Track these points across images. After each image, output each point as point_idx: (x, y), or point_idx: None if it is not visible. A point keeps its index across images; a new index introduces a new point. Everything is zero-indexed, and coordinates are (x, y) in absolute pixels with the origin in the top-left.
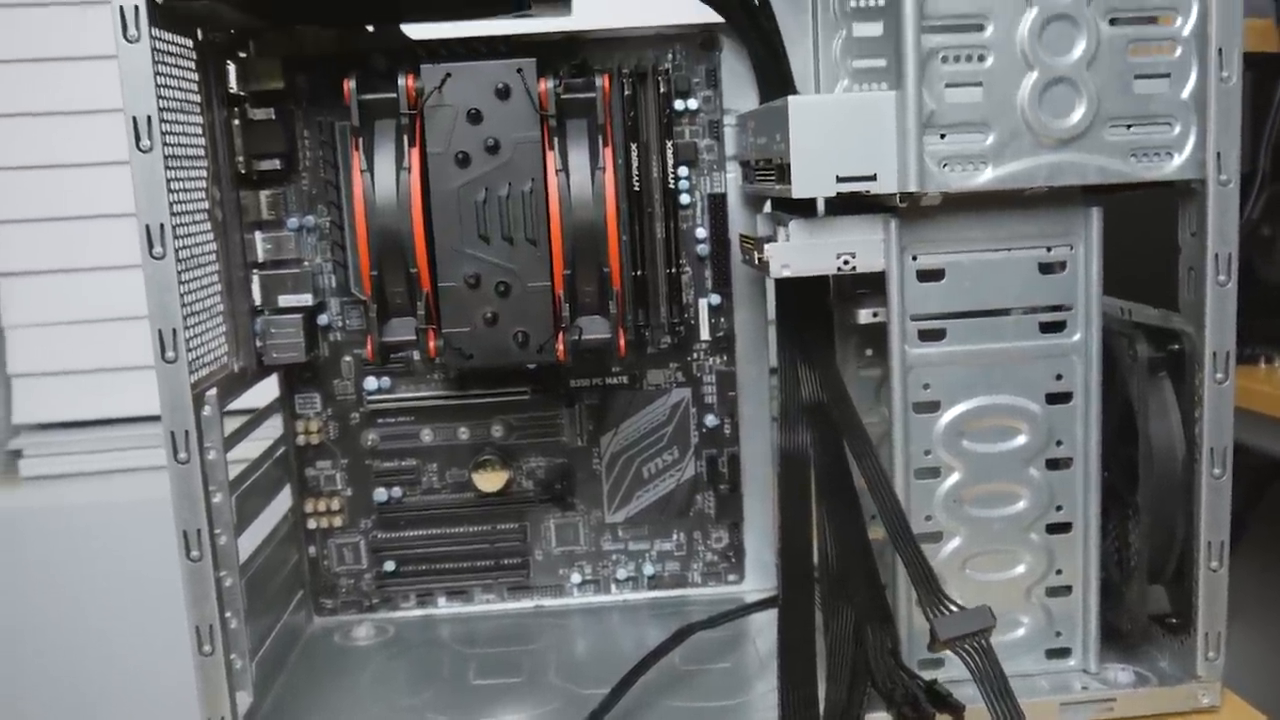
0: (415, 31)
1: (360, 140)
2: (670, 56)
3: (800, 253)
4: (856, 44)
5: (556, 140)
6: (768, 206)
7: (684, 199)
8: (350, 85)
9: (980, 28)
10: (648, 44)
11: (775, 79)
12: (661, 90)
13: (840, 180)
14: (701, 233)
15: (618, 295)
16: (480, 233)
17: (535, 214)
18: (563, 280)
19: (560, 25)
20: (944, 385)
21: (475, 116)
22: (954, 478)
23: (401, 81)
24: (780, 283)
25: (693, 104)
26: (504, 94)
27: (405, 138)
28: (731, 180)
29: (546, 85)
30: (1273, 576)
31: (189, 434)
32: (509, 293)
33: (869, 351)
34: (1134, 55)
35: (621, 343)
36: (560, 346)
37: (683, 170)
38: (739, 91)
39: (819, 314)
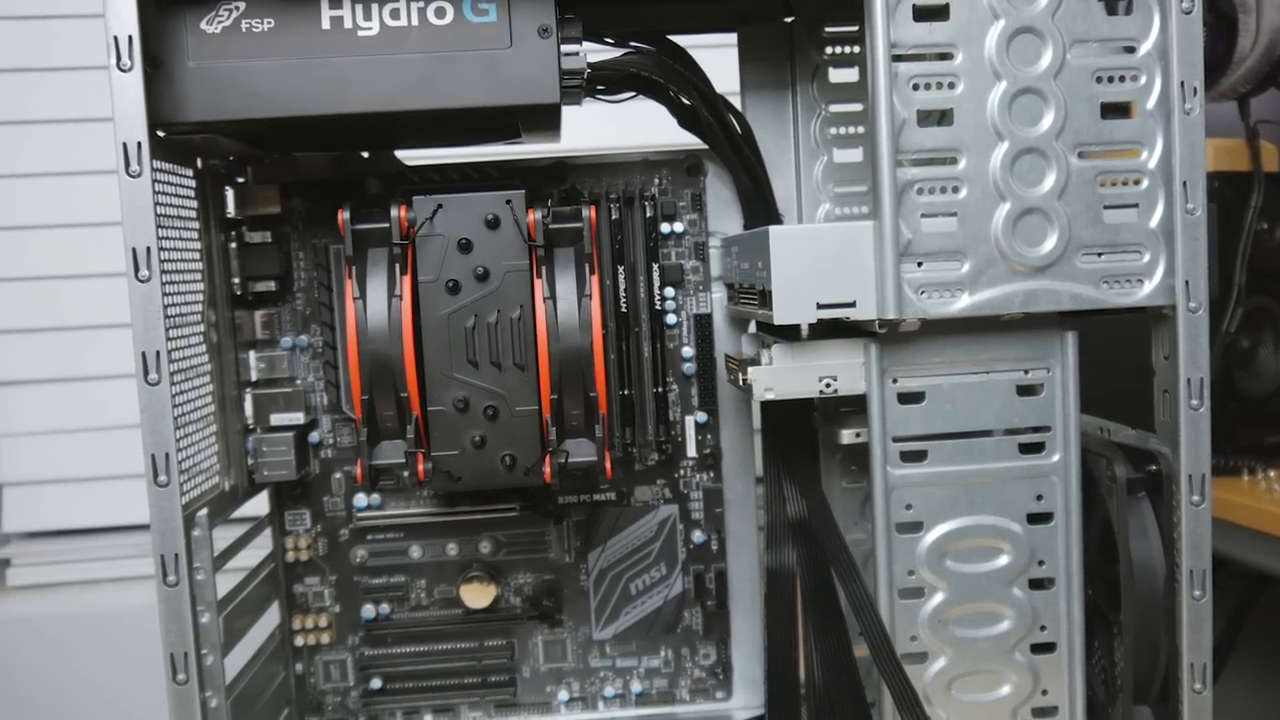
0: (409, 157)
1: (353, 268)
2: (657, 181)
3: (782, 376)
4: (837, 170)
5: (544, 269)
6: (752, 326)
7: (670, 319)
8: (344, 216)
9: (954, 160)
10: (635, 169)
11: (759, 204)
12: (648, 214)
13: (821, 307)
14: (688, 352)
15: (603, 419)
16: (469, 358)
17: (523, 340)
18: (550, 404)
19: (549, 150)
20: (926, 506)
21: (466, 246)
22: (938, 598)
23: (394, 212)
24: (766, 402)
25: (679, 227)
26: (494, 224)
27: (397, 266)
28: (717, 300)
29: (535, 216)
30: (1266, 690)
31: (179, 557)
32: (497, 417)
33: (853, 468)
34: (1102, 187)
35: (608, 465)
36: (547, 469)
37: (669, 291)
38: (724, 214)
39: (803, 433)
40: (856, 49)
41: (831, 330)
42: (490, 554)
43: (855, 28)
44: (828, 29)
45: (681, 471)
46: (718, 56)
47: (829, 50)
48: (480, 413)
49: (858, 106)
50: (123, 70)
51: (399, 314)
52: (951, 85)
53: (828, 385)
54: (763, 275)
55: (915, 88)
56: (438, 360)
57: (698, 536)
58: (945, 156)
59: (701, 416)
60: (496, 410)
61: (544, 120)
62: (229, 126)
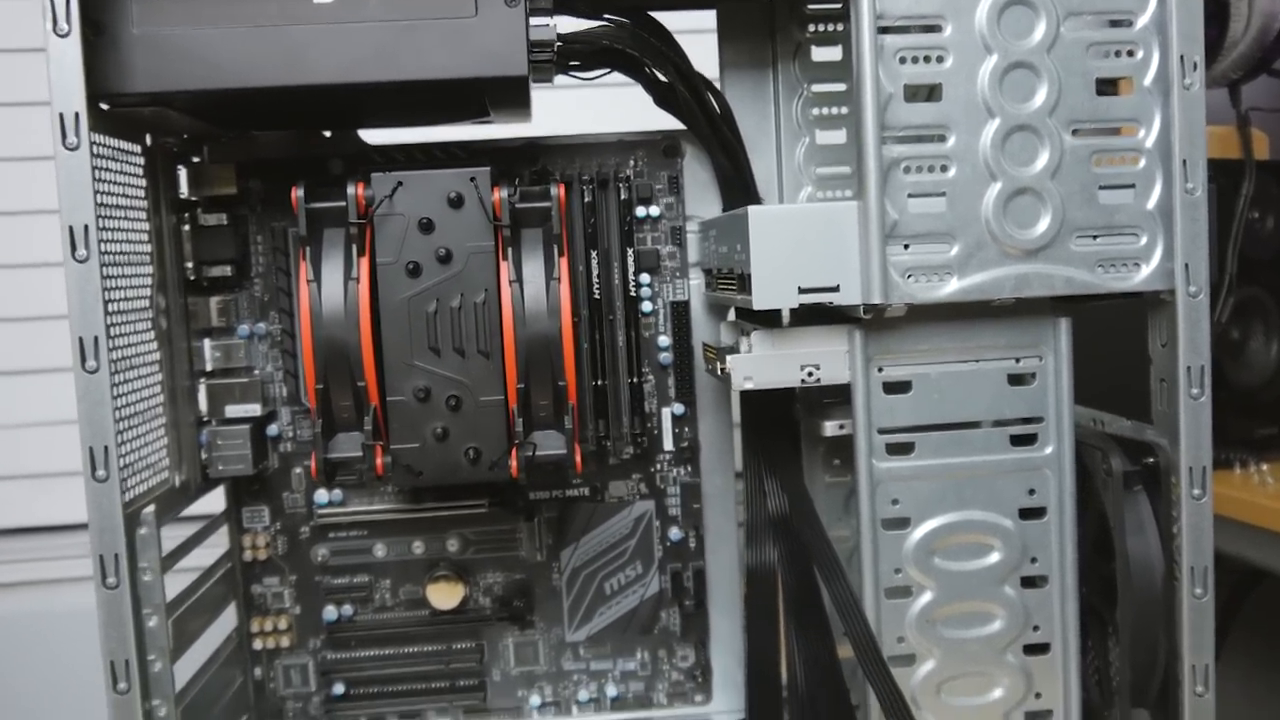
0: (372, 137)
1: (308, 249)
2: (632, 163)
3: (763, 364)
4: (819, 151)
5: (511, 250)
6: (731, 314)
7: (646, 306)
8: (298, 193)
9: (942, 138)
10: (609, 150)
11: (738, 187)
12: (623, 197)
13: (802, 291)
14: (664, 341)
15: (573, 409)
16: (431, 345)
17: (488, 326)
18: (516, 394)
19: (520, 132)
20: (913, 500)
21: (427, 226)
22: (926, 597)
23: (351, 190)
24: (745, 392)
25: (654, 210)
26: (457, 203)
27: (354, 247)
28: (694, 287)
29: (501, 194)
30: (1256, 687)
31: (119, 557)
32: (460, 407)
33: (836, 461)
34: (1098, 166)
35: (578, 459)
36: (514, 463)
37: (644, 277)
38: (701, 197)
39: (785, 425)
40: (840, 26)
41: (814, 317)
42: (458, 552)
43: (839, 3)
44: (810, 5)
45: (658, 466)
46: (695, 42)
47: (811, 28)
48: (442, 403)
49: (841, 86)
50: (59, 35)
51: (356, 298)
52: (940, 59)
53: (810, 374)
54: (741, 259)
55: (902, 61)
56: (397, 347)
57: (675, 533)
58: (933, 134)
59: (679, 408)
60: (460, 400)
61: (512, 96)
62: (178, 99)
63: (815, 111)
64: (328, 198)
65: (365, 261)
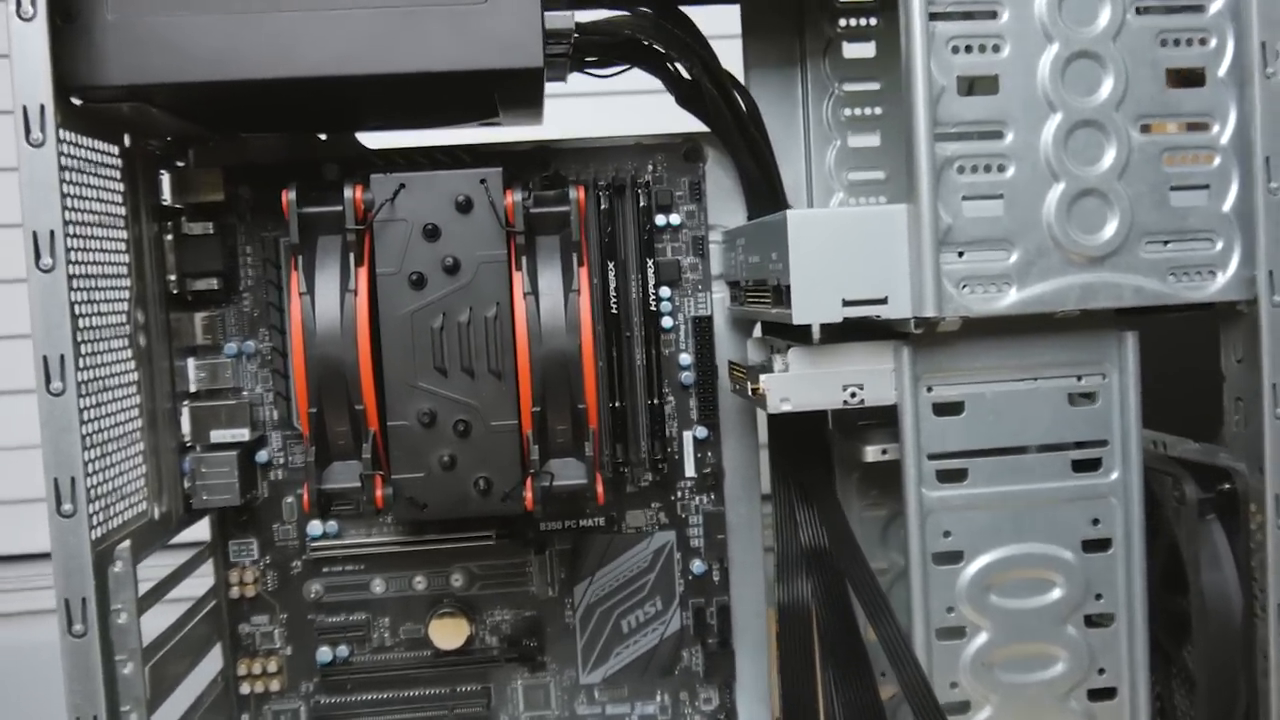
0: (372, 140)
1: (300, 258)
2: (651, 168)
3: (801, 384)
4: (852, 155)
5: (525, 259)
6: (757, 330)
7: (666, 322)
8: (289, 197)
9: (999, 134)
10: (626, 154)
11: (765, 193)
12: (642, 204)
13: (847, 304)
14: (685, 359)
15: (594, 435)
16: (436, 364)
17: (500, 343)
18: (531, 418)
19: (531, 135)
20: (967, 533)
21: (432, 232)
22: (981, 638)
23: (348, 193)
24: (773, 415)
25: (675, 219)
26: (465, 207)
27: (352, 256)
28: (718, 301)
29: (514, 198)
30: None
31: (87, 601)
32: (469, 433)
33: (873, 490)
34: (1169, 165)
35: (599, 488)
36: (528, 494)
37: (664, 291)
38: (725, 206)
39: (817, 449)
40: (874, 21)
41: (854, 331)
42: (463, 588)
43: None
44: None
45: (679, 494)
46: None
47: (843, 22)
48: (449, 428)
49: (875, 85)
50: (23, 19)
51: (353, 311)
52: (996, 48)
53: (853, 395)
54: (778, 268)
55: (955, 50)
56: (399, 366)
57: (697, 566)
58: (989, 130)
59: (701, 432)
60: (468, 425)
61: (525, 93)
62: (157, 93)
63: (847, 112)
64: (323, 202)
65: (364, 272)
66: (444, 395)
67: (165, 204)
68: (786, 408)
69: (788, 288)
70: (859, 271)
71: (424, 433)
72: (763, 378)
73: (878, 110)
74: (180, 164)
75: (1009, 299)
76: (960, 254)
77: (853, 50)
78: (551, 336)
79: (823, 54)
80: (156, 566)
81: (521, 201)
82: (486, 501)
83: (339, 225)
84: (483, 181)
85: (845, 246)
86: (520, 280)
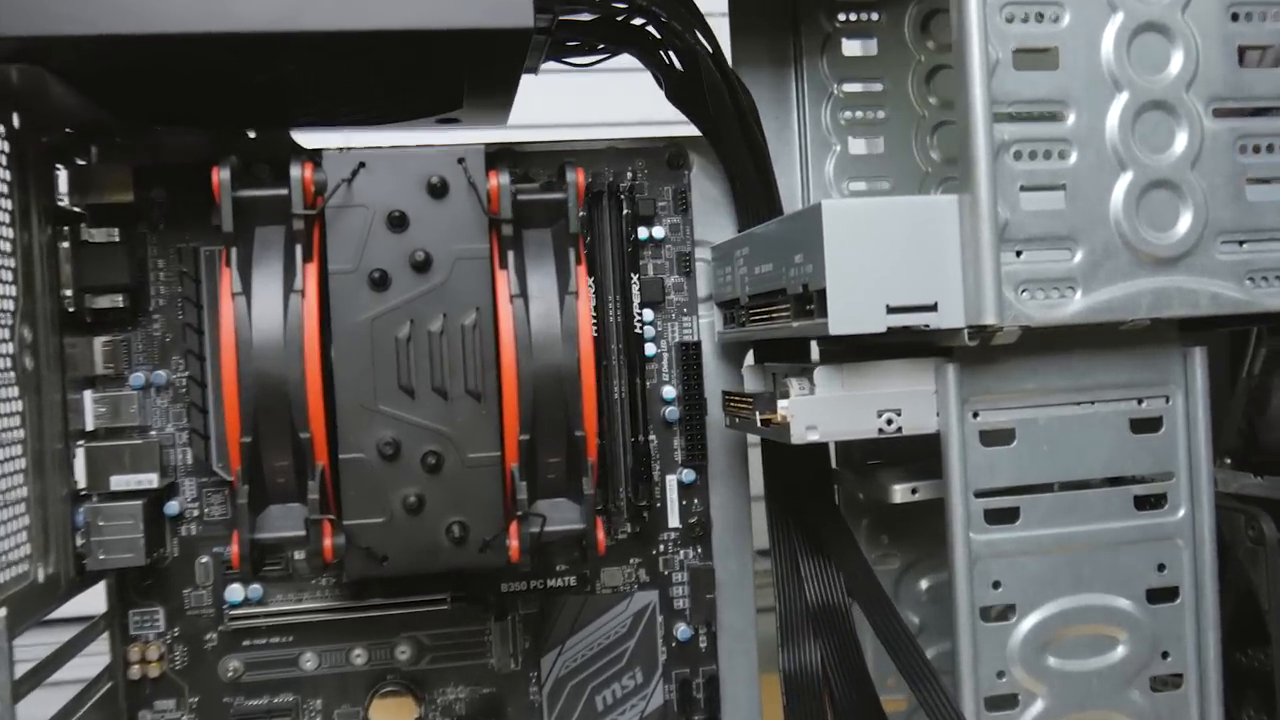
0: (309, 141)
1: (234, 252)
2: (630, 174)
3: (830, 409)
4: (853, 162)
5: (512, 255)
6: (748, 358)
7: (648, 349)
8: (222, 175)
9: (1060, 116)
10: (602, 159)
11: (761, 199)
12: (625, 211)
13: (891, 311)
14: (669, 392)
15: (592, 469)
16: (401, 383)
17: (480, 357)
18: (518, 449)
19: (494, 136)
20: (1019, 582)
21: (398, 221)
22: (1037, 707)
23: (296, 172)
24: (770, 449)
25: (658, 232)
26: (439, 191)
27: (299, 249)
28: (705, 326)
29: (499, 180)
30: None
31: None
32: (440, 468)
33: (884, 537)
34: (1243, 155)
35: (600, 535)
36: (513, 543)
37: (647, 314)
38: (710, 219)
39: (822, 490)
40: (875, 16)
41: (876, 349)
42: (410, 661)
43: None
44: None
45: (661, 547)
46: None
47: (842, 17)
48: (416, 462)
49: (878, 86)
50: None
51: (299, 317)
52: (1055, 17)
53: (889, 422)
54: (805, 271)
55: (1010, 19)
56: (355, 385)
57: (682, 631)
58: (1049, 110)
59: (687, 475)
60: (440, 458)
61: (503, 69)
62: (56, 51)
63: (847, 115)
64: (261, 184)
65: (313, 269)
66: (410, 421)
67: (62, 205)
68: (814, 437)
69: (819, 293)
70: (905, 273)
71: (385, 467)
72: (784, 403)
73: (880, 114)
74: (80, 161)
75: (1074, 306)
76: (1019, 253)
77: (853, 48)
78: (544, 349)
79: (820, 52)
80: (36, 645)
81: (507, 185)
82: (461, 552)
83: (282, 212)
84: (460, 160)
85: (889, 243)
86: (506, 280)
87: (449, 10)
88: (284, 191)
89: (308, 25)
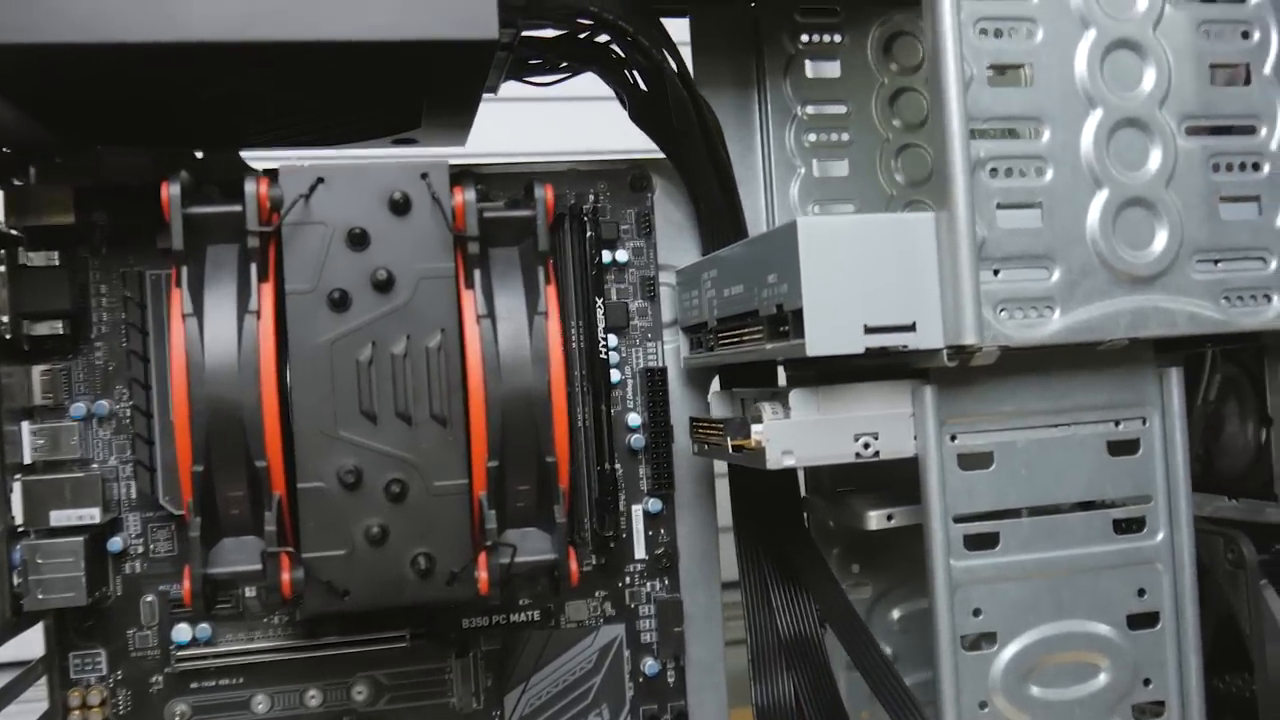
0: (258, 162)
1: (184, 271)
2: (592, 196)
3: (806, 434)
4: (818, 185)
5: (478, 274)
6: (715, 384)
7: (613, 375)
8: (172, 191)
9: (1035, 133)
10: (563, 180)
11: (726, 222)
12: (588, 234)
13: (869, 331)
14: (634, 419)
15: (564, 497)
16: (363, 408)
17: (446, 380)
18: (486, 476)
19: (453, 155)
20: (1000, 610)
21: (359, 239)
22: None
23: (250, 187)
24: (738, 477)
25: (621, 255)
26: (401, 207)
27: (254, 268)
28: (670, 351)
29: (464, 196)
30: None
31: None
32: (405, 496)
33: (855, 567)
34: (1216, 173)
35: (573, 565)
36: (482, 574)
37: (610, 339)
38: (673, 244)
39: (792, 517)
40: (839, 38)
41: (854, 372)
42: (368, 702)
43: (837, 10)
44: (803, 7)
45: (628, 579)
46: None
47: (805, 38)
48: (379, 491)
49: (841, 109)
50: None
51: (254, 339)
52: (1029, 33)
53: (866, 446)
54: (780, 291)
55: (984, 33)
56: (314, 411)
57: (650, 666)
58: (1024, 127)
59: (654, 505)
60: (404, 487)
61: (464, 85)
62: None
63: (811, 138)
64: (213, 200)
65: (269, 289)
66: (372, 448)
67: None
68: (789, 462)
69: (795, 313)
70: (882, 292)
71: (346, 497)
72: (758, 428)
73: (845, 136)
74: (17, 181)
75: (1052, 326)
76: (996, 272)
77: (817, 69)
78: (513, 371)
79: (783, 73)
80: None
81: (474, 202)
82: (427, 585)
83: (236, 230)
84: (424, 176)
85: (866, 262)
86: (472, 300)
87: (410, 22)
88: (238, 208)
89: (261, 35)
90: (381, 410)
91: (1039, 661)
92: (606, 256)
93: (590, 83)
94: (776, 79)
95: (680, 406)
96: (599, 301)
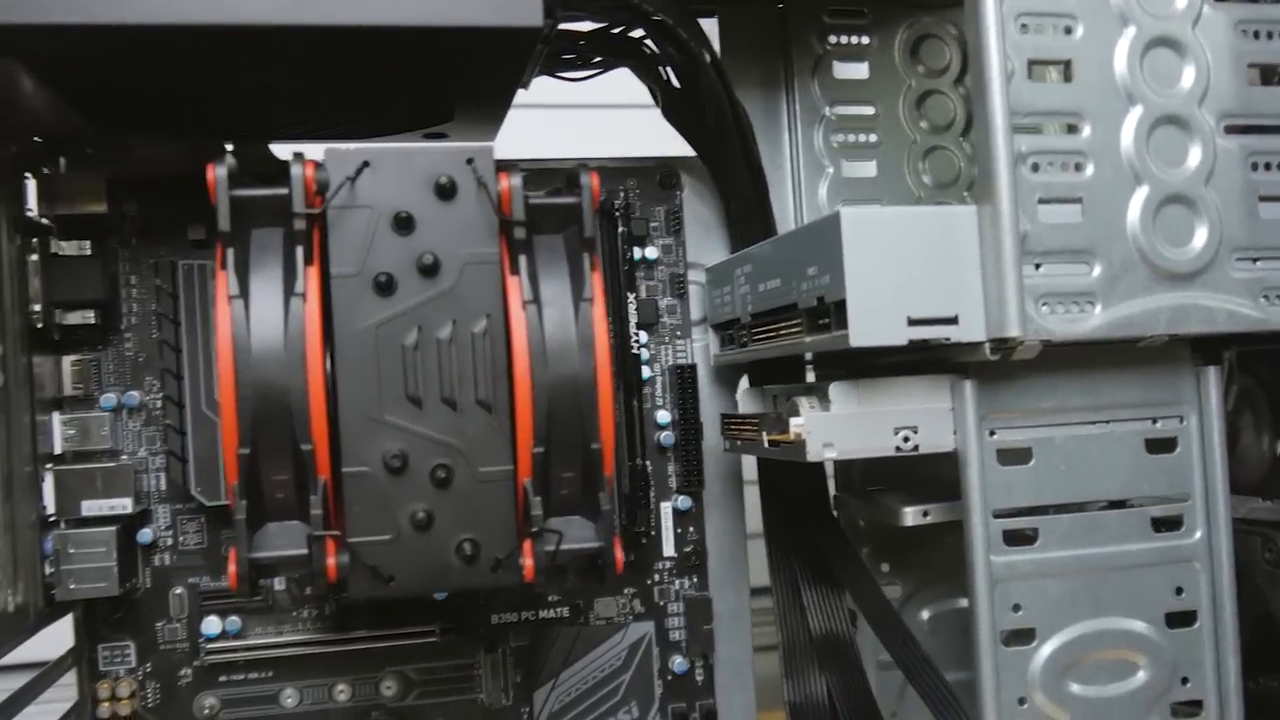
0: (287, 154)
1: (230, 253)
2: (622, 194)
3: (846, 427)
4: (847, 185)
5: (524, 260)
6: (743, 383)
7: (644, 371)
8: (218, 173)
9: (1075, 128)
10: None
11: (756, 220)
12: (619, 229)
13: (913, 323)
14: (664, 416)
15: (609, 484)
16: (409, 393)
17: (491, 366)
18: (532, 463)
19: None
20: (1039, 606)
21: (405, 223)
22: None
23: (297, 170)
24: (767, 476)
25: (651, 253)
26: (447, 192)
27: (299, 251)
28: (699, 349)
29: (510, 182)
30: None
31: None
32: (450, 482)
33: (885, 566)
34: (1255, 171)
35: (618, 555)
36: (528, 561)
37: (641, 336)
38: (701, 242)
39: (822, 514)
40: (867, 39)
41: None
42: (396, 697)
43: (865, 12)
44: (831, 8)
45: (657, 576)
46: None
47: (833, 39)
48: (425, 476)
49: (870, 110)
50: None
51: (300, 322)
52: (1068, 29)
53: (905, 439)
54: (822, 283)
55: (1024, 29)
56: (359, 395)
57: (679, 664)
58: (1064, 122)
59: (683, 502)
60: (450, 472)
61: (499, 78)
62: (34, 44)
63: (839, 139)
64: (258, 184)
65: (314, 272)
66: (418, 433)
67: (31, 216)
68: (830, 455)
69: (837, 305)
70: (925, 284)
71: (391, 482)
72: (798, 420)
73: (872, 137)
74: (47, 170)
75: (1094, 321)
76: (1038, 266)
77: (845, 70)
78: (559, 357)
79: (811, 74)
80: None
81: (520, 187)
82: (472, 571)
83: (281, 214)
84: (470, 160)
85: (909, 253)
86: (517, 286)
87: (456, 7)
88: (284, 191)
89: (309, 19)
90: (427, 395)
91: (1078, 658)
92: (637, 253)
93: (609, 89)
94: (805, 79)
95: (708, 404)
96: (631, 297)
